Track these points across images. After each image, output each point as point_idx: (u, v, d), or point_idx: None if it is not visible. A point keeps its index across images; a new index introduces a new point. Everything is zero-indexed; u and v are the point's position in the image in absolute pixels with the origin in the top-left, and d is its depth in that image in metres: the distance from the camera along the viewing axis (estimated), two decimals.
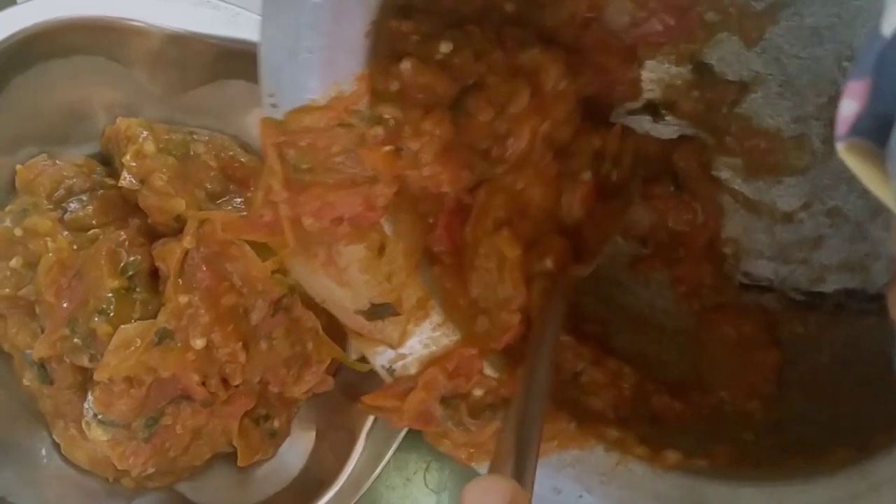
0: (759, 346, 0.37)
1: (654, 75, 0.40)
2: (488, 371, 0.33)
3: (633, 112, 0.41)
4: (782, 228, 0.39)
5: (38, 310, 0.40)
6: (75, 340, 0.39)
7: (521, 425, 0.26)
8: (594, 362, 0.35)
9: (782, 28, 0.36)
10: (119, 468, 0.40)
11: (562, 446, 0.32)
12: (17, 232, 0.40)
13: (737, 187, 0.40)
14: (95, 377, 0.38)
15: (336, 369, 0.43)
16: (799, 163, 0.38)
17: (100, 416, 0.39)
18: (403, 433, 0.41)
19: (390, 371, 0.34)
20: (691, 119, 0.40)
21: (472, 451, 0.32)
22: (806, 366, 0.36)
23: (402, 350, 0.34)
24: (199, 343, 0.38)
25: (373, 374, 0.35)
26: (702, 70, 0.39)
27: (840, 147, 0.19)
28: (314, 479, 0.42)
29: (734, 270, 0.40)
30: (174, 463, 0.41)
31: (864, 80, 0.18)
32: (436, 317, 0.33)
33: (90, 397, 0.39)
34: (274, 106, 0.30)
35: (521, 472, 0.24)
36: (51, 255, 0.39)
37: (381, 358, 0.34)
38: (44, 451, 0.41)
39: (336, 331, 0.40)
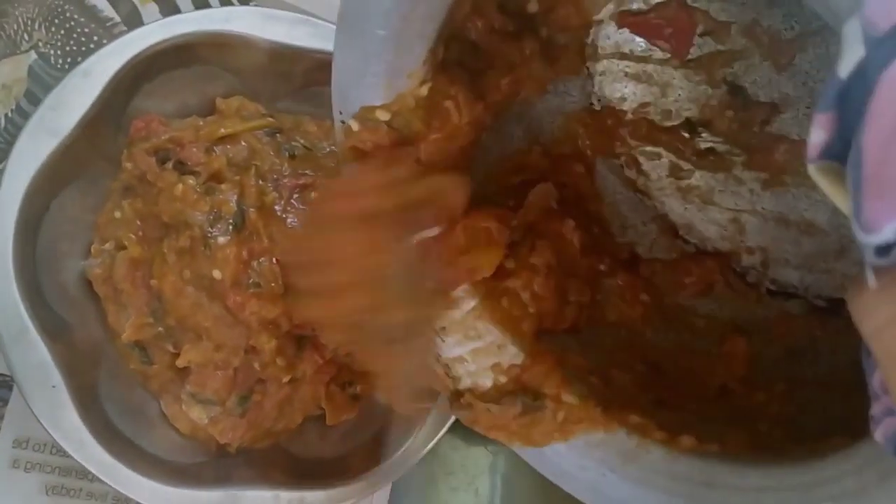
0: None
1: (692, 95, 0.43)
2: (512, 357, 0.37)
3: (670, 129, 0.44)
4: (808, 240, 0.42)
5: (123, 296, 0.44)
6: (159, 329, 0.44)
7: None
8: None
9: (810, 55, 0.39)
10: (221, 442, 0.45)
11: (588, 429, 0.35)
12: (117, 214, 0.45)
13: (764, 201, 0.43)
14: (178, 364, 0.43)
15: None
16: None
17: (197, 396, 0.44)
18: None
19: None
20: (725, 136, 0.43)
21: (499, 431, 0.36)
22: (824, 366, 0.39)
23: None
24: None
25: None
26: (736, 91, 0.42)
27: (812, 169, 0.22)
28: (389, 434, 0.47)
29: (762, 277, 0.43)
30: (270, 430, 0.46)
31: (828, 114, 0.21)
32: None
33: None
34: (343, 122, 0.34)
35: None
36: (127, 251, 0.44)
37: None
38: (156, 419, 0.46)
39: None
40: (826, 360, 0.39)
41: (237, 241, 0.41)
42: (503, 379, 0.36)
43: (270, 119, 0.46)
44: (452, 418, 0.46)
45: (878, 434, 0.23)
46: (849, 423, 0.31)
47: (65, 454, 0.41)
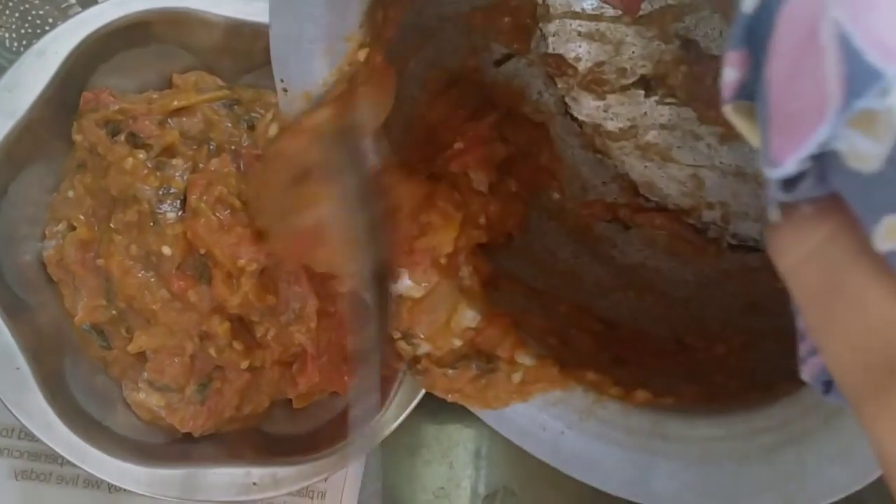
0: None
1: (646, 52, 0.43)
2: (468, 320, 0.36)
3: (626, 87, 0.44)
4: None
5: (76, 279, 0.44)
6: (112, 312, 0.43)
7: None
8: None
9: None
10: (182, 431, 0.44)
11: (546, 388, 0.36)
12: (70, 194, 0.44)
13: (722, 155, 0.43)
14: (129, 349, 0.43)
15: None
16: None
17: (155, 383, 0.43)
18: None
19: None
20: (679, 91, 0.43)
21: (455, 394, 0.36)
22: (783, 318, 0.39)
23: None
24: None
25: None
26: (689, 46, 0.42)
27: (727, 109, 0.22)
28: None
29: (723, 232, 0.43)
30: (235, 416, 0.45)
31: (739, 52, 0.21)
32: None
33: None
34: (285, 90, 0.34)
35: None
36: (76, 232, 0.43)
37: None
38: (120, 402, 0.45)
39: None
40: (786, 313, 0.39)
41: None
42: (458, 342, 0.36)
43: (227, 91, 0.46)
44: (423, 391, 0.45)
45: (805, 373, 0.23)
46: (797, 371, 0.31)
47: (33, 438, 0.41)
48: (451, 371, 0.36)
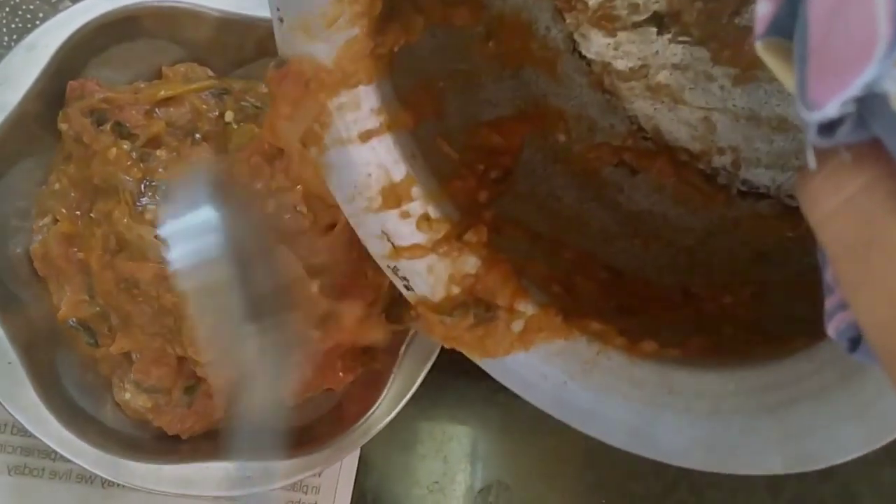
0: None
1: None
2: (468, 267, 0.35)
3: (638, 24, 0.42)
4: (780, 137, 0.40)
5: (61, 274, 0.43)
6: (96, 308, 0.43)
7: None
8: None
9: None
10: (170, 434, 0.44)
11: (549, 337, 0.34)
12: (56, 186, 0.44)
13: (735, 98, 0.41)
14: (112, 350, 0.42)
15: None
16: None
17: (141, 385, 0.43)
18: (424, 375, 0.45)
19: None
20: (693, 28, 0.41)
21: (453, 342, 0.35)
22: (793, 267, 0.38)
23: None
24: None
25: None
26: None
27: (759, 46, 0.20)
28: (352, 404, 0.46)
29: (733, 178, 0.42)
30: (226, 417, 0.45)
31: None
32: None
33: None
34: (281, 20, 0.32)
35: None
36: (58, 225, 0.43)
37: None
38: (110, 402, 0.45)
39: None
40: (796, 262, 0.38)
41: None
42: (456, 290, 0.35)
43: (215, 80, 0.45)
44: (417, 384, 0.45)
45: (831, 329, 0.22)
46: (812, 325, 0.30)
47: (26, 434, 0.41)
48: (448, 319, 0.35)
